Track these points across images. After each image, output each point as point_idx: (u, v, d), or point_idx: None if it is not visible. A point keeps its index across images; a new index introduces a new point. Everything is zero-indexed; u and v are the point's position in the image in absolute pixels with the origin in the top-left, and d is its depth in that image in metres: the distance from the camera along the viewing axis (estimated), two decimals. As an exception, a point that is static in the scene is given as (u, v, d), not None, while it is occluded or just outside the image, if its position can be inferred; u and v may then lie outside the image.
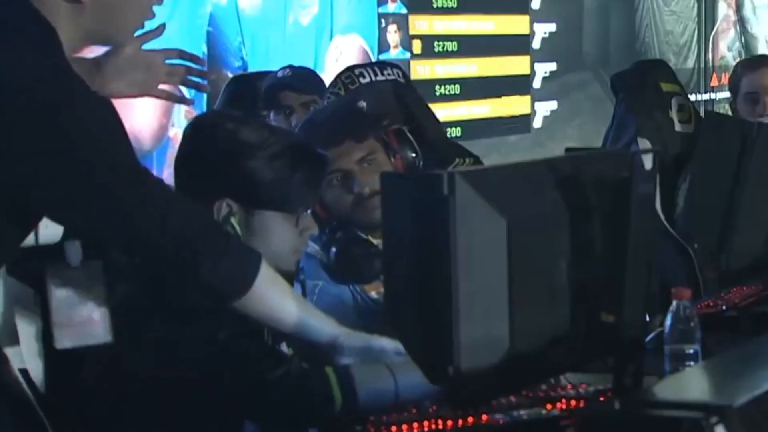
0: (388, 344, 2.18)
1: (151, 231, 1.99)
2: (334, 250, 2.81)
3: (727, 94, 5.32)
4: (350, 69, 3.26)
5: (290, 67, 4.00)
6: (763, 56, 5.04)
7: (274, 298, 2.13)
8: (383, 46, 5.89)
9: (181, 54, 2.41)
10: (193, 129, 2.34)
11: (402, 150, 2.94)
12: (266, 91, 3.90)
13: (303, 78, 3.94)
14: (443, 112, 5.87)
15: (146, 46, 2.33)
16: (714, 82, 8.32)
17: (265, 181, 2.24)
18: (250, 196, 2.25)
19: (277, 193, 2.25)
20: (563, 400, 2.10)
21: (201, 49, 4.99)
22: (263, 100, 3.86)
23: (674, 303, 2.44)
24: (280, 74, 3.94)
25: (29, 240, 2.24)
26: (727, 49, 8.51)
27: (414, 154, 2.95)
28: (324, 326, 2.18)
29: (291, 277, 2.34)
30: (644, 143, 3.54)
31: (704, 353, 2.40)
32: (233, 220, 2.23)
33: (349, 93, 3.14)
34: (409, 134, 2.98)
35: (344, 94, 3.14)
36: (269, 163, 2.24)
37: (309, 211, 2.36)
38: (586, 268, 1.98)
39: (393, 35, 5.94)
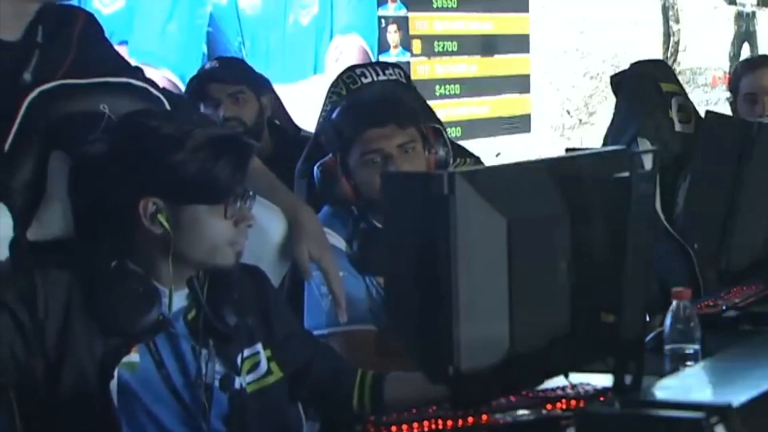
0: None
1: None
2: (356, 242, 2.82)
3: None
4: (351, 69, 3.26)
5: (219, 58, 3.97)
6: (763, 57, 5.03)
7: None
8: (383, 46, 5.88)
9: None
10: (117, 129, 2.31)
11: (437, 146, 2.95)
12: (194, 84, 3.86)
13: (230, 69, 3.89)
14: (443, 112, 5.86)
15: None
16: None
17: (187, 174, 2.21)
18: (174, 191, 2.22)
19: (200, 184, 2.22)
20: (563, 400, 2.10)
21: (201, 49, 4.99)
22: (192, 93, 3.82)
23: (674, 303, 2.45)
24: (207, 66, 3.91)
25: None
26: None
27: (445, 153, 2.97)
28: None
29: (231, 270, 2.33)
30: (644, 143, 3.54)
31: (704, 353, 2.40)
32: (161, 218, 2.21)
33: (350, 93, 3.14)
34: (444, 133, 3.00)
35: (346, 94, 3.15)
36: (191, 156, 2.21)
37: (247, 203, 2.30)
38: (586, 268, 1.98)
39: (393, 35, 5.93)
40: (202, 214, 2.25)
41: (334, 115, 2.94)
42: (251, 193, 2.31)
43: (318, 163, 2.90)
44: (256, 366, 2.37)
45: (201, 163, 2.22)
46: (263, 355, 2.39)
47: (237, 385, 2.31)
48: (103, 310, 2.20)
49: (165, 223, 2.22)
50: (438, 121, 3.25)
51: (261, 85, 3.87)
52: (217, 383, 2.29)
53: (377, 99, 2.97)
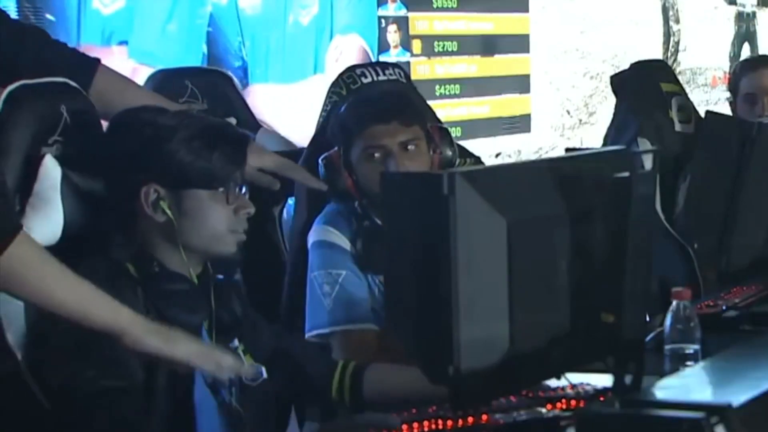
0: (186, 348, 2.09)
1: None
2: (359, 241, 2.83)
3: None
4: (352, 69, 3.26)
5: None
6: (763, 57, 5.04)
7: (37, 275, 1.99)
8: (383, 46, 5.88)
9: None
10: (112, 125, 2.35)
11: (443, 146, 2.96)
12: None
13: None
14: (443, 112, 5.86)
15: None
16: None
17: (185, 161, 2.24)
18: (173, 177, 2.24)
19: (199, 170, 2.25)
20: (563, 400, 2.10)
21: (201, 49, 4.99)
22: None
23: (674, 303, 2.45)
24: None
25: None
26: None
27: (451, 153, 2.97)
28: (109, 314, 2.04)
29: (234, 261, 2.35)
30: (644, 143, 3.55)
31: (704, 353, 2.40)
32: (163, 204, 2.23)
33: (350, 93, 3.14)
34: (450, 133, 3.01)
35: (346, 94, 3.15)
36: (188, 144, 2.24)
37: (244, 192, 2.33)
38: (586, 268, 1.98)
39: (393, 35, 5.93)
40: (204, 200, 2.26)
41: (341, 110, 2.96)
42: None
43: (322, 156, 2.91)
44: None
45: (198, 151, 2.25)
46: (240, 350, 2.39)
47: (264, 376, 2.32)
48: (170, 314, 2.20)
49: (167, 210, 2.23)
50: (438, 121, 3.26)
51: None
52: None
53: (384, 96, 2.99)
